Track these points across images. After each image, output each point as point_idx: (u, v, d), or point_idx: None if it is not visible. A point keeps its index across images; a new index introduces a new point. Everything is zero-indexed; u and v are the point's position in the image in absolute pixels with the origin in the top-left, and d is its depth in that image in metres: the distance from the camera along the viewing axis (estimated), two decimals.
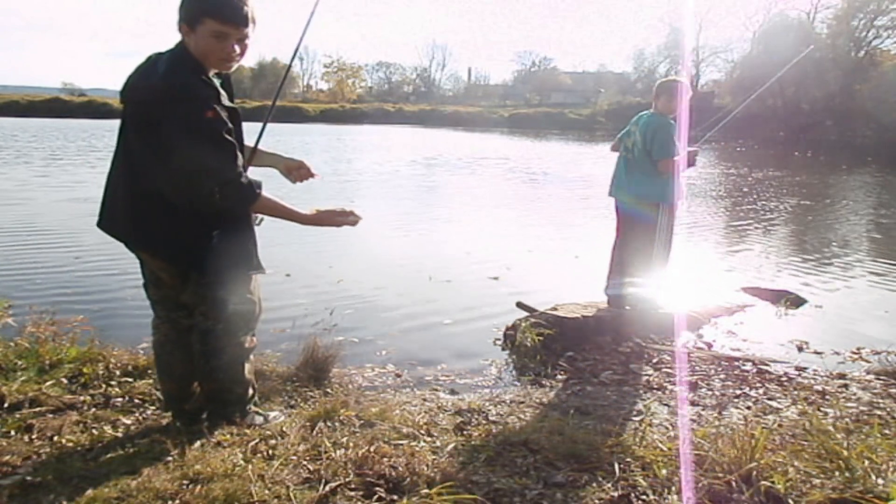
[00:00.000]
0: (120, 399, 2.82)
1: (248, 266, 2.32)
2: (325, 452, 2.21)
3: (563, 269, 6.42)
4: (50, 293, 4.99)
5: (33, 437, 2.38)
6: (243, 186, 2.10)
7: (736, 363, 3.87)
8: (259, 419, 2.57)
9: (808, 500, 1.88)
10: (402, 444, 2.32)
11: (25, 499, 1.97)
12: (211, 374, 2.40)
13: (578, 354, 3.98)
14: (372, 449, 2.20)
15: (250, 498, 1.90)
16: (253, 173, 2.21)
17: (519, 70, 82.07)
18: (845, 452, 2.05)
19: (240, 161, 2.12)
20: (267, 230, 2.43)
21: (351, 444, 2.27)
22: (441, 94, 77.55)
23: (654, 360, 3.90)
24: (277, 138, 23.49)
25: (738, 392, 3.41)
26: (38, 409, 2.62)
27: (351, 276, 5.78)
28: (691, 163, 4.46)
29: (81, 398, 2.77)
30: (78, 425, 2.50)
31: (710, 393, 3.41)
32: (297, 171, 2.57)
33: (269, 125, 2.33)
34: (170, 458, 2.16)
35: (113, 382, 2.97)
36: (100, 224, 2.31)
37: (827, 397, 3.32)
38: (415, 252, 7.05)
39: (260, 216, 2.34)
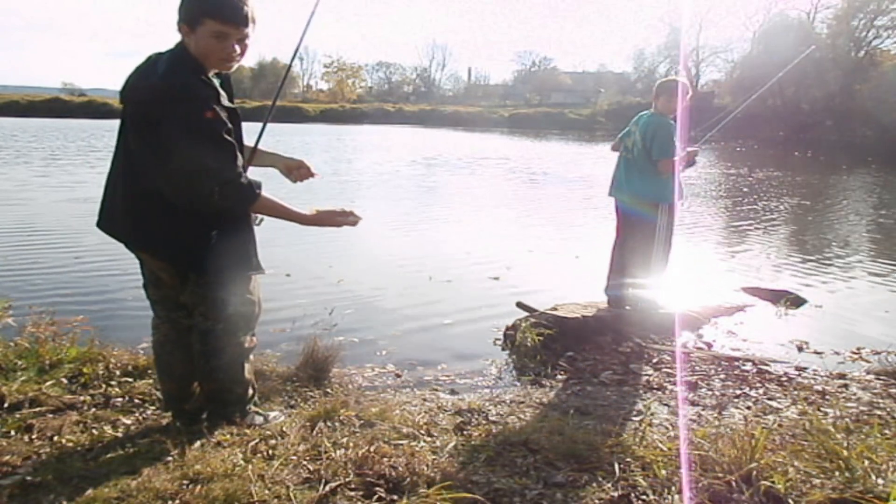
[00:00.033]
0: (120, 399, 2.82)
1: (247, 266, 2.32)
2: (325, 452, 2.21)
3: (564, 270, 6.42)
4: (50, 293, 4.99)
5: (33, 437, 2.38)
6: (243, 186, 2.10)
7: (736, 363, 3.87)
8: (259, 419, 2.57)
9: (808, 500, 1.88)
10: (402, 444, 2.32)
11: (25, 499, 1.97)
12: (211, 374, 2.40)
13: (578, 354, 3.99)
14: (372, 449, 2.20)
15: (250, 498, 1.90)
16: (253, 173, 2.21)
17: (519, 70, 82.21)
18: (845, 452, 2.05)
19: (239, 161, 2.12)
20: (267, 230, 2.43)
21: (351, 444, 2.27)
22: (441, 94, 77.57)
23: (654, 360, 3.90)
24: (277, 138, 23.49)
25: (738, 392, 3.41)
26: (38, 409, 2.62)
27: (351, 276, 5.78)
28: (691, 163, 4.46)
29: (81, 398, 2.77)
30: (78, 425, 2.50)
31: (710, 393, 3.41)
32: (297, 171, 2.57)
33: (269, 125, 2.33)
34: (170, 458, 2.16)
35: (113, 382, 2.97)
36: (99, 224, 2.31)
37: (827, 397, 3.32)
38: (415, 252, 7.05)
39: (260, 216, 2.34)
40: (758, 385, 3.52)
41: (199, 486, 1.94)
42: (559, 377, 3.66)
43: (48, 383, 2.83)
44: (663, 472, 2.12)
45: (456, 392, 3.40)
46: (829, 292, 5.82)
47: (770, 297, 5.42)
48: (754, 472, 1.98)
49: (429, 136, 33.81)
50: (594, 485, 2.10)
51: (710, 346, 4.30)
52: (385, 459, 2.14)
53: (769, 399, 3.30)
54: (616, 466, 2.19)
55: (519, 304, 4.74)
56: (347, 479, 2.04)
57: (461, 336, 4.41)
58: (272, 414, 2.67)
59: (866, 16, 43.21)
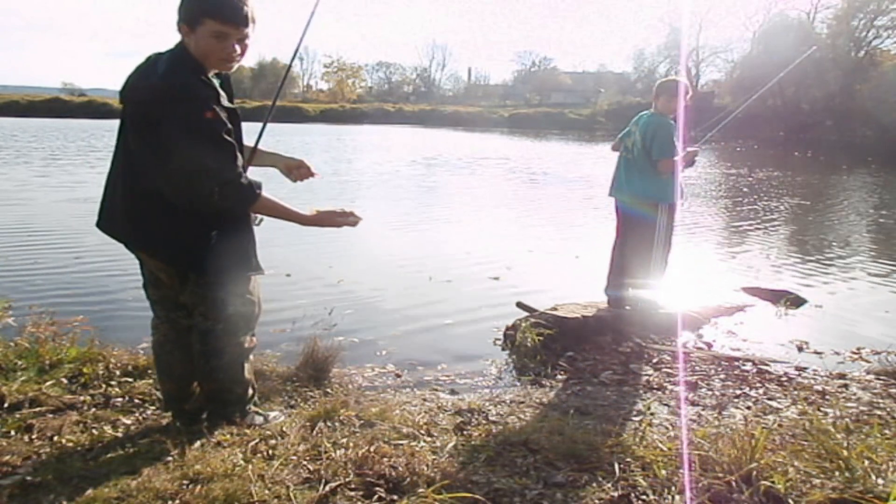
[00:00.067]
0: (120, 399, 2.82)
1: (247, 267, 2.32)
2: (325, 452, 2.21)
3: (564, 270, 6.42)
4: (50, 293, 4.99)
5: (33, 437, 2.38)
6: (243, 187, 2.10)
7: (736, 363, 3.87)
8: (259, 419, 2.57)
9: (808, 500, 1.88)
10: (402, 444, 2.32)
11: (25, 499, 1.97)
12: (211, 374, 2.40)
13: (578, 354, 3.99)
14: (372, 449, 2.20)
15: (250, 498, 1.90)
16: (253, 173, 2.21)
17: (519, 70, 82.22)
18: (845, 452, 2.05)
19: (239, 161, 2.12)
20: (267, 230, 2.43)
21: (351, 444, 2.27)
22: (441, 94, 77.57)
23: (654, 360, 3.90)
24: (277, 138, 23.49)
25: (738, 392, 3.41)
26: (38, 409, 2.62)
27: (351, 276, 5.78)
28: (690, 163, 4.46)
29: (81, 398, 2.77)
30: (78, 425, 2.50)
31: (710, 393, 3.41)
32: (297, 171, 2.57)
33: (269, 125, 2.33)
34: (170, 458, 2.16)
35: (113, 382, 2.97)
36: (99, 224, 2.31)
37: (827, 397, 3.32)
38: (415, 252, 7.05)
39: (259, 216, 2.34)
40: (758, 385, 3.52)
41: (199, 486, 1.94)
42: (559, 377, 3.66)
43: (48, 383, 2.83)
44: (663, 472, 2.12)
45: (456, 392, 3.40)
46: (829, 292, 5.83)
47: (770, 297, 5.42)
48: (754, 472, 1.98)
49: (429, 136, 33.81)
50: (594, 485, 2.10)
51: (710, 346, 4.30)
52: (385, 459, 2.14)
53: (769, 399, 3.30)
54: (616, 466, 2.19)
55: (519, 304, 4.74)
56: (347, 479, 2.04)
57: (461, 336, 4.41)
58: (272, 414, 2.67)
59: (866, 16, 43.22)
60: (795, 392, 3.40)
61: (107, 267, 5.78)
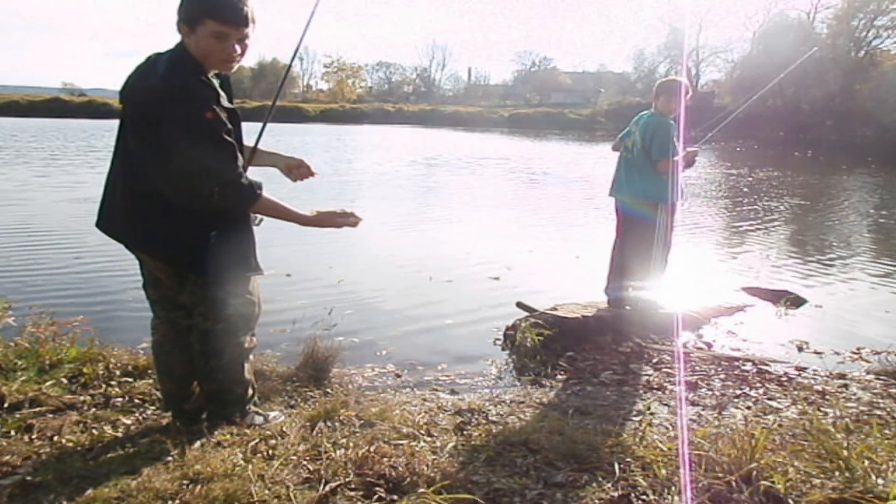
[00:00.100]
0: (120, 399, 2.82)
1: (246, 267, 2.32)
2: (325, 452, 2.21)
3: (564, 270, 6.42)
4: (50, 293, 4.99)
5: (33, 437, 2.38)
6: (243, 187, 2.10)
7: (736, 363, 3.87)
8: (259, 419, 2.57)
9: (808, 500, 1.88)
10: (402, 444, 2.32)
11: (25, 499, 1.97)
12: (211, 374, 2.40)
13: (578, 354, 3.99)
14: (372, 449, 2.20)
15: (250, 498, 1.90)
16: (253, 173, 2.21)
17: (519, 70, 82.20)
18: (845, 452, 2.05)
19: (240, 162, 2.12)
20: (267, 231, 2.43)
21: (351, 444, 2.27)
22: (441, 94, 77.57)
23: (654, 360, 3.90)
24: (277, 138, 23.49)
25: (738, 392, 3.41)
26: (38, 409, 2.62)
27: (351, 276, 5.78)
28: (690, 163, 4.46)
29: (81, 398, 2.77)
30: (78, 425, 2.50)
31: (710, 393, 3.41)
32: (297, 170, 2.57)
33: (269, 125, 2.33)
34: (170, 458, 2.16)
35: (113, 382, 2.97)
36: (98, 224, 2.31)
37: (827, 397, 3.32)
38: (415, 252, 7.05)
39: (259, 217, 2.34)
40: (758, 385, 3.52)
41: (199, 486, 1.94)
42: (559, 377, 3.66)
43: (48, 383, 2.83)
44: (663, 472, 2.12)
45: (456, 392, 3.40)
46: (829, 292, 5.82)
47: (770, 297, 5.42)
48: (754, 472, 1.98)
49: (429, 136, 33.81)
50: (594, 485, 2.10)
51: (710, 346, 4.30)
52: (385, 459, 2.15)
53: (769, 399, 3.30)
54: (616, 466, 2.19)
55: (519, 304, 4.74)
56: (347, 479, 2.04)
57: (461, 336, 4.41)
58: (272, 414, 2.67)
59: (866, 16, 43.23)
60: (795, 392, 3.40)
61: (107, 267, 5.78)
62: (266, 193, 2.16)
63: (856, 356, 4.13)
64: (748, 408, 3.16)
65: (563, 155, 24.47)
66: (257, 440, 2.31)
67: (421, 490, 1.97)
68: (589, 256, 6.49)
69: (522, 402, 3.11)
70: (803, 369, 3.81)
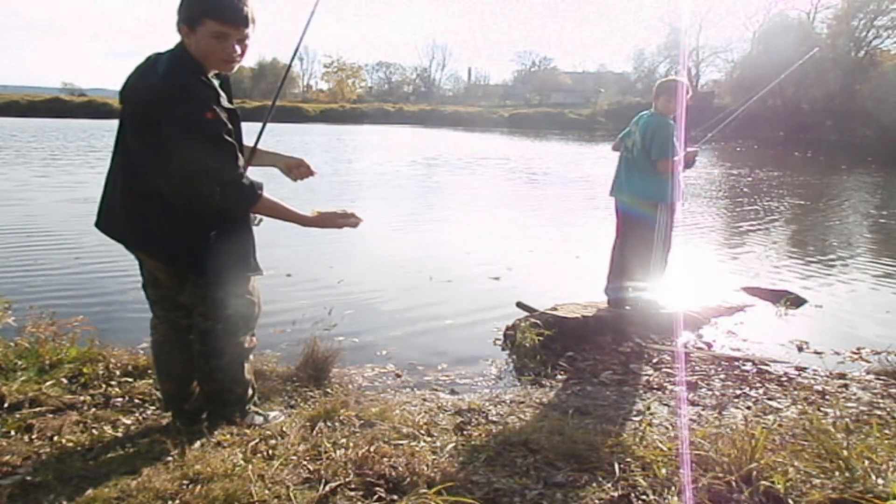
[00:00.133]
0: (120, 399, 2.82)
1: (245, 268, 2.32)
2: (325, 452, 2.21)
3: (564, 270, 6.42)
4: (50, 293, 4.99)
5: (33, 437, 2.38)
6: (244, 187, 2.10)
7: (736, 363, 3.87)
8: (259, 419, 2.57)
9: (808, 500, 1.88)
10: (402, 444, 2.32)
11: (25, 499, 1.97)
12: (211, 374, 2.40)
13: (578, 354, 3.99)
14: (372, 449, 2.20)
15: (250, 498, 1.90)
16: (253, 173, 2.21)
17: (519, 70, 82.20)
18: (845, 452, 2.05)
19: (240, 162, 2.12)
20: (268, 231, 2.43)
21: (351, 444, 2.27)
22: (441, 94, 77.57)
23: (654, 360, 3.90)
24: (277, 138, 23.49)
25: (738, 392, 3.41)
26: (38, 409, 2.62)
27: (351, 276, 5.78)
28: (690, 163, 4.46)
29: (81, 398, 2.77)
30: (78, 425, 2.50)
31: (710, 393, 3.41)
32: (297, 170, 2.57)
33: (269, 125, 2.33)
34: (170, 458, 2.16)
35: (113, 382, 2.97)
36: (98, 224, 2.31)
37: (827, 397, 3.32)
38: (415, 252, 7.05)
39: (258, 217, 2.33)
40: (758, 385, 3.52)
41: (199, 486, 1.94)
42: (559, 377, 3.66)
43: (48, 383, 2.83)
44: (663, 471, 2.12)
45: (456, 392, 3.40)
46: (830, 292, 5.82)
47: (770, 297, 5.42)
48: (754, 472, 1.98)
49: (429, 136, 33.81)
50: (594, 485, 2.10)
51: (710, 346, 4.30)
52: (385, 459, 2.15)
53: (769, 399, 3.30)
54: (616, 466, 2.19)
55: (519, 304, 4.74)
56: (347, 479, 2.04)
57: (461, 336, 4.41)
58: (272, 414, 2.67)
59: (866, 16, 43.24)
60: (795, 392, 3.40)
61: (107, 267, 5.77)
62: (267, 194, 2.16)
63: (856, 356, 4.13)
64: (748, 408, 3.16)
65: (563, 155, 24.47)
66: (257, 440, 2.31)
67: (421, 490, 1.97)
68: (589, 256, 6.48)
69: (522, 402, 3.11)
70: (803, 369, 3.81)
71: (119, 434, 2.46)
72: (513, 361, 3.94)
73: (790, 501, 1.89)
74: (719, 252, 7.69)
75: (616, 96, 55.07)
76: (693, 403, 3.22)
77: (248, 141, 2.30)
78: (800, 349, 4.25)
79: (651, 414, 2.96)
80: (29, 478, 2.05)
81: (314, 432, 2.43)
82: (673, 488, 2.03)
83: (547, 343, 3.99)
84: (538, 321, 4.14)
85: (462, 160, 19.84)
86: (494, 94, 77.49)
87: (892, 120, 32.10)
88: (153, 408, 2.76)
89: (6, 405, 2.60)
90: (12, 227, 7.74)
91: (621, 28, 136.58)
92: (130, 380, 3.02)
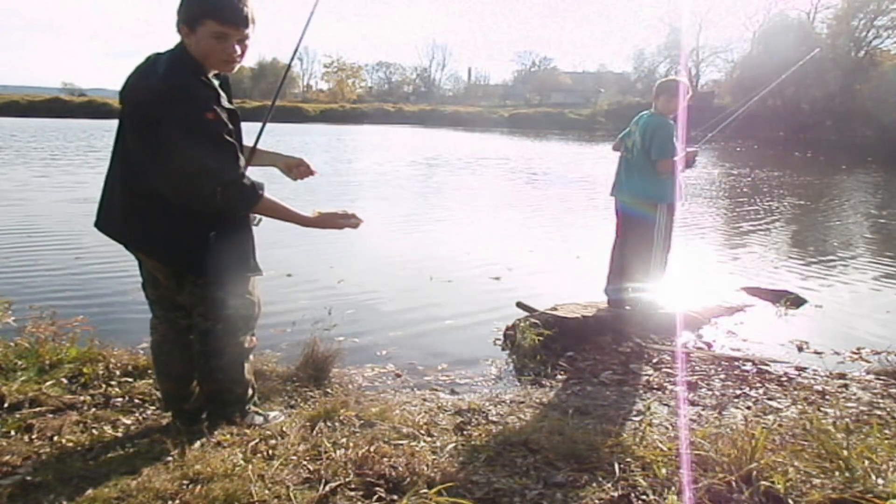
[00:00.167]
0: (120, 399, 2.82)
1: (245, 268, 2.32)
2: (325, 452, 2.21)
3: (564, 270, 6.42)
4: (50, 293, 4.99)
5: (33, 437, 2.38)
6: (245, 188, 2.10)
7: (736, 363, 3.87)
8: (259, 419, 2.57)
9: (808, 500, 1.88)
10: (402, 444, 2.32)
11: (25, 499, 1.97)
12: (211, 374, 2.40)
13: (578, 354, 3.99)
14: (372, 449, 2.20)
15: (250, 498, 1.90)
16: (252, 173, 2.21)
17: (519, 70, 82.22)
18: (845, 452, 2.05)
19: (241, 162, 2.12)
20: (268, 231, 2.43)
21: (351, 444, 2.27)
22: (441, 94, 77.57)
23: (654, 360, 3.90)
24: (277, 138, 23.50)
25: (738, 392, 3.41)
26: (38, 409, 2.62)
27: (352, 276, 5.78)
28: (690, 163, 4.46)
29: (81, 398, 2.77)
30: (78, 425, 2.50)
31: (710, 393, 3.41)
32: (297, 169, 2.57)
33: (269, 125, 2.33)
34: (170, 458, 2.16)
35: (113, 382, 2.97)
36: (97, 224, 2.31)
37: (827, 397, 3.32)
38: (416, 252, 7.05)
39: (258, 217, 2.33)
40: (758, 385, 3.52)
41: (199, 486, 1.94)
42: (559, 377, 3.66)
43: (48, 383, 2.83)
44: (663, 471, 2.12)
45: (456, 392, 3.40)
46: (830, 293, 5.82)
47: (770, 297, 5.42)
48: (754, 472, 1.98)
49: (429, 136, 33.81)
50: (594, 485, 2.10)
51: (710, 346, 4.30)
52: (385, 459, 2.15)
53: (769, 399, 3.30)
54: (616, 466, 2.19)
55: (519, 304, 4.74)
56: (347, 479, 2.04)
57: (461, 336, 4.41)
58: (272, 414, 2.67)
59: (866, 16, 43.25)
60: (795, 392, 3.40)
61: (107, 267, 5.77)
62: (268, 194, 2.16)
63: (856, 356, 4.13)
64: (748, 408, 3.16)
65: (563, 155, 24.47)
66: (257, 440, 2.31)
67: (421, 490, 1.97)
68: (589, 256, 6.48)
69: (522, 402, 3.11)
70: (803, 369, 3.81)
71: (119, 434, 2.46)
72: (513, 361, 3.94)
73: (790, 501, 1.89)
74: (719, 252, 7.69)
75: (616, 96, 55.09)
76: (693, 403, 3.22)
77: (248, 141, 2.30)
78: (800, 349, 4.25)
79: (651, 414, 2.96)
80: (29, 478, 2.05)
81: (314, 432, 2.43)
82: (673, 488, 2.03)
83: (547, 343, 3.99)
84: (538, 321, 4.14)
85: (462, 160, 19.84)
86: (494, 94, 77.49)
87: (892, 120, 32.10)
88: (153, 408, 2.76)
89: (6, 405, 2.60)
90: (12, 227, 7.74)
91: (621, 28, 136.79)
92: (130, 380, 3.02)
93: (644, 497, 2.01)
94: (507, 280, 5.86)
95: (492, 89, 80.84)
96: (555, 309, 4.41)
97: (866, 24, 43.49)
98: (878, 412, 3.05)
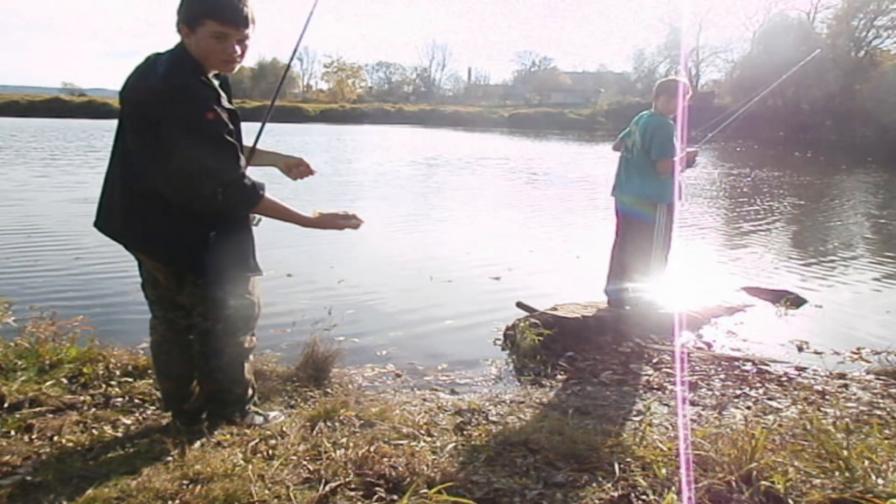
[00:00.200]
0: (120, 399, 2.82)
1: (245, 268, 2.32)
2: (325, 452, 2.21)
3: (564, 270, 6.42)
4: (50, 293, 4.99)
5: (33, 437, 2.38)
6: (246, 188, 2.10)
7: (736, 363, 3.87)
8: (259, 419, 2.57)
9: (808, 500, 1.88)
10: (402, 444, 2.32)
11: (25, 499, 1.97)
12: (211, 374, 2.40)
13: (578, 354, 3.99)
14: (372, 449, 2.20)
15: (250, 498, 1.90)
16: (252, 173, 2.21)
17: (519, 70, 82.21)
18: (845, 452, 2.05)
19: (242, 162, 2.12)
20: (268, 231, 2.43)
21: (351, 444, 2.27)
22: (441, 94, 77.57)
23: (654, 360, 3.90)
24: (277, 138, 23.50)
25: (738, 392, 3.41)
26: (38, 409, 2.62)
27: (352, 276, 5.78)
28: (691, 163, 4.46)
29: (81, 398, 2.77)
30: (78, 425, 2.50)
31: (710, 393, 3.41)
32: (296, 169, 2.57)
33: (268, 125, 2.33)
34: (170, 458, 2.16)
35: (113, 382, 2.97)
36: (97, 224, 2.31)
37: (827, 397, 3.32)
38: (416, 252, 7.05)
39: (257, 217, 2.33)
40: (758, 385, 3.52)
41: (199, 486, 1.94)
42: (559, 377, 3.66)
43: (48, 383, 2.83)
44: (663, 471, 2.12)
45: (456, 392, 3.40)
46: (830, 293, 5.82)
47: (770, 297, 5.42)
48: (754, 472, 1.98)
49: (429, 136, 33.81)
50: (594, 485, 2.10)
51: (710, 346, 4.30)
52: (385, 459, 2.15)
53: (769, 399, 3.30)
54: (616, 466, 2.19)
55: (519, 304, 4.74)
56: (347, 479, 2.04)
57: (461, 336, 4.41)
58: (272, 414, 2.67)
59: (866, 16, 43.25)
60: (795, 392, 3.40)
61: (107, 267, 5.77)
62: (268, 194, 2.16)
63: (856, 356, 4.13)
64: (748, 408, 3.16)
65: (563, 155, 24.47)
66: (257, 440, 2.31)
67: (421, 490, 1.97)
68: (589, 256, 6.48)
69: (522, 402, 3.11)
70: (803, 369, 3.81)
71: (119, 434, 2.46)
72: (513, 361, 3.94)
73: (790, 501, 1.89)
74: (719, 252, 7.69)
75: (616, 96, 55.09)
76: (693, 403, 3.22)
77: (247, 141, 2.30)
78: (800, 349, 4.25)
79: (651, 414, 2.96)
80: (29, 478, 2.05)
81: (314, 432, 2.43)
82: (673, 488, 2.03)
83: (547, 343, 3.99)
84: (538, 321, 4.14)
85: (462, 160, 19.84)
86: (494, 94, 77.48)
87: (892, 120, 32.09)
88: (153, 408, 2.76)
89: (6, 405, 2.60)
90: (12, 227, 7.74)
91: (621, 28, 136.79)
92: (130, 380, 3.02)
93: (644, 497, 2.01)
94: (507, 280, 5.86)
95: (492, 89, 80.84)
96: (555, 309, 4.41)
97: (866, 24, 43.49)
98: (878, 412, 3.04)
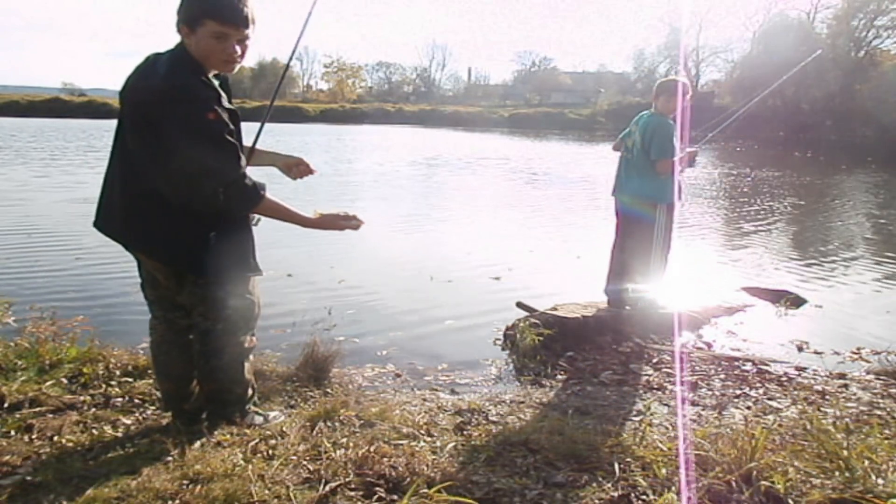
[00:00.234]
0: (120, 399, 2.82)
1: (245, 268, 2.32)
2: (325, 452, 2.21)
3: (564, 270, 6.42)
4: (50, 293, 4.99)
5: (33, 437, 2.38)
6: (247, 188, 2.10)
7: (736, 363, 3.87)
8: (259, 419, 2.57)
9: (808, 500, 1.88)
10: (402, 444, 2.32)
11: (25, 499, 1.97)
12: (211, 374, 2.40)
13: (578, 354, 3.99)
14: (372, 449, 2.20)
15: (250, 498, 1.90)
16: (252, 173, 2.21)
17: (519, 70, 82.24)
18: (845, 452, 2.05)
19: (242, 162, 2.12)
20: (269, 231, 2.43)
21: (351, 444, 2.27)
22: (441, 94, 77.58)
23: (654, 360, 3.90)
24: (277, 138, 23.51)
25: (738, 392, 3.41)
26: (38, 409, 2.62)
27: (352, 276, 5.78)
28: (691, 163, 4.46)
29: (81, 398, 2.77)
30: (78, 425, 2.50)
31: (710, 393, 3.41)
32: (296, 168, 2.57)
33: (268, 125, 2.33)
34: (170, 458, 2.16)
35: (113, 382, 2.97)
36: (96, 224, 2.30)
37: (827, 397, 3.32)
38: (416, 252, 7.05)
39: (257, 217, 2.33)
40: (758, 385, 3.52)
41: (199, 486, 1.94)
42: (559, 377, 3.66)
43: (48, 383, 2.83)
44: (663, 471, 2.12)
45: (456, 392, 3.40)
46: (830, 293, 5.82)
47: (770, 297, 5.42)
48: (754, 472, 1.98)
49: (429, 136, 33.81)
50: (594, 485, 2.10)
51: (710, 346, 4.30)
52: (385, 459, 2.15)
53: (769, 399, 3.30)
54: (616, 466, 2.19)
55: (519, 304, 4.74)
56: (347, 479, 2.04)
57: (461, 336, 4.41)
58: (272, 414, 2.67)
59: (866, 16, 43.25)
60: (795, 392, 3.40)
61: (107, 267, 5.77)
62: (269, 194, 2.16)
63: (856, 356, 4.13)
64: (748, 408, 3.16)
65: (564, 155, 24.47)
66: (257, 440, 2.31)
67: (421, 490, 1.97)
68: (589, 256, 6.49)
69: (522, 402, 3.11)
70: (803, 369, 3.81)
71: (119, 434, 2.46)
72: (513, 361, 3.94)
73: (790, 501, 1.89)
74: (719, 252, 7.69)
75: (616, 96, 55.08)
76: (693, 403, 3.22)
77: (247, 141, 2.30)
78: (800, 349, 4.25)
79: (651, 414, 2.96)
80: (29, 478, 2.05)
81: (314, 432, 2.43)
82: (673, 488, 2.03)
83: (547, 343, 3.99)
84: (538, 321, 4.14)
85: (462, 160, 19.84)
86: (494, 94, 77.49)
87: (892, 120, 32.09)
88: (153, 408, 2.76)
89: (6, 405, 2.60)
90: (12, 227, 7.74)
91: (621, 28, 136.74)
92: (130, 380, 3.02)
93: (644, 497, 2.01)
94: (507, 280, 5.86)
95: (492, 89, 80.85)
96: (555, 309, 4.41)
97: (866, 24, 43.49)
98: (878, 412, 3.05)
